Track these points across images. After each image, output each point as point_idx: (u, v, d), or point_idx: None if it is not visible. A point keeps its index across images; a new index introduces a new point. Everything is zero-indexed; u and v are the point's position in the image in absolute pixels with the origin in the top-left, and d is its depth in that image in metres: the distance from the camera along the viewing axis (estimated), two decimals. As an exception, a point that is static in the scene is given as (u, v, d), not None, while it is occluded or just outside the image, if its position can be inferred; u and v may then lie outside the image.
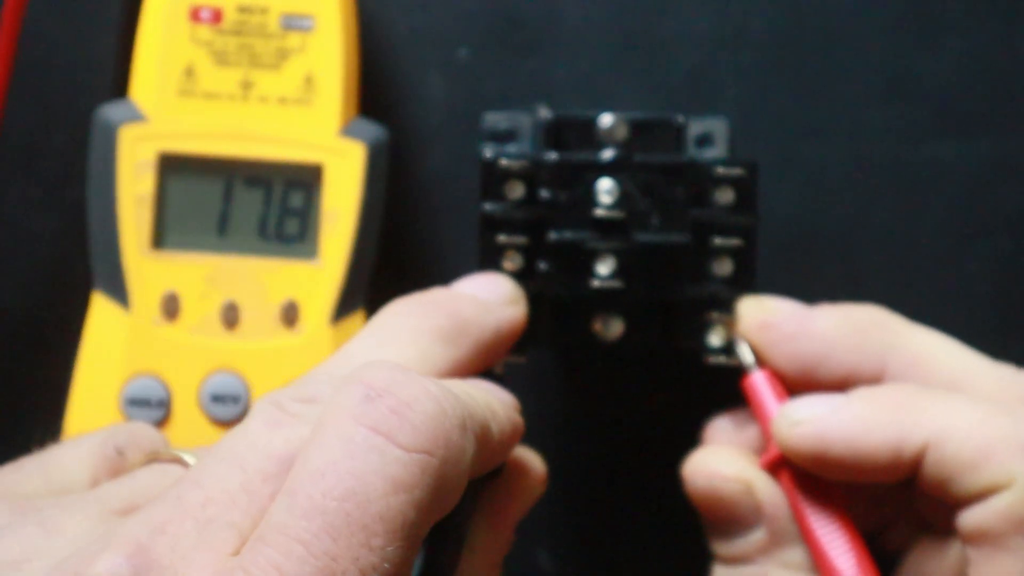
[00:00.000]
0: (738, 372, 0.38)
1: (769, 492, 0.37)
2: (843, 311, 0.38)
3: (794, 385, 0.37)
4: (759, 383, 0.38)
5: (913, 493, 0.36)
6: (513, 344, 0.36)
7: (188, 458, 0.32)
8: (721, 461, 0.37)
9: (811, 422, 0.35)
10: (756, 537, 0.37)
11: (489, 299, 0.36)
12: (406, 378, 0.27)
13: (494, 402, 0.31)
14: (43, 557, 0.27)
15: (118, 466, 0.32)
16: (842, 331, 0.37)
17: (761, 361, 0.38)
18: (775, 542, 0.37)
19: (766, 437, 0.37)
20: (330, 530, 0.25)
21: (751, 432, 0.39)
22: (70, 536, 0.28)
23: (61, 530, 0.28)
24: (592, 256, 0.38)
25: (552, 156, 0.38)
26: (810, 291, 0.39)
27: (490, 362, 0.35)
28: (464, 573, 0.34)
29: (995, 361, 0.37)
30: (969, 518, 0.34)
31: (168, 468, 0.31)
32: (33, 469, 0.32)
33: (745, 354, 0.38)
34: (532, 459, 0.37)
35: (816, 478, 0.36)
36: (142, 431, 0.33)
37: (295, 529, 0.25)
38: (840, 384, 0.37)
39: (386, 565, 0.25)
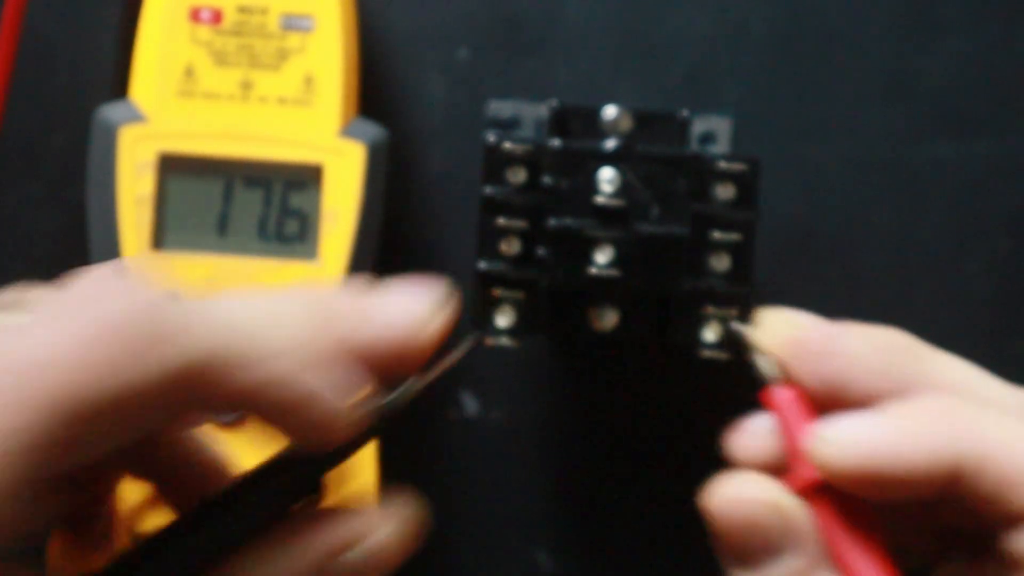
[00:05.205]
0: (735, 367, 0.38)
1: (801, 517, 0.34)
2: (869, 332, 0.35)
3: (817, 405, 0.35)
4: (787, 401, 0.35)
5: (935, 511, 0.34)
6: (418, 365, 0.32)
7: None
8: (751, 486, 0.35)
9: (855, 440, 0.33)
10: (786, 565, 0.34)
11: (386, 315, 0.32)
12: (120, 276, 0.29)
13: (289, 348, 0.30)
14: None
15: None
16: (869, 353, 0.34)
17: (784, 376, 0.36)
18: (806, 570, 0.34)
19: (792, 457, 0.35)
20: None
21: (770, 444, 0.37)
22: None
23: None
24: (591, 244, 0.38)
25: (555, 143, 0.38)
26: (809, 291, 0.39)
27: (380, 372, 0.31)
28: None
29: (1021, 389, 0.35)
30: (1015, 541, 0.32)
31: None
32: None
33: (768, 368, 0.36)
34: (395, 504, 0.32)
35: (854, 503, 0.34)
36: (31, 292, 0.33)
37: None
38: (863, 406, 0.34)
39: None
